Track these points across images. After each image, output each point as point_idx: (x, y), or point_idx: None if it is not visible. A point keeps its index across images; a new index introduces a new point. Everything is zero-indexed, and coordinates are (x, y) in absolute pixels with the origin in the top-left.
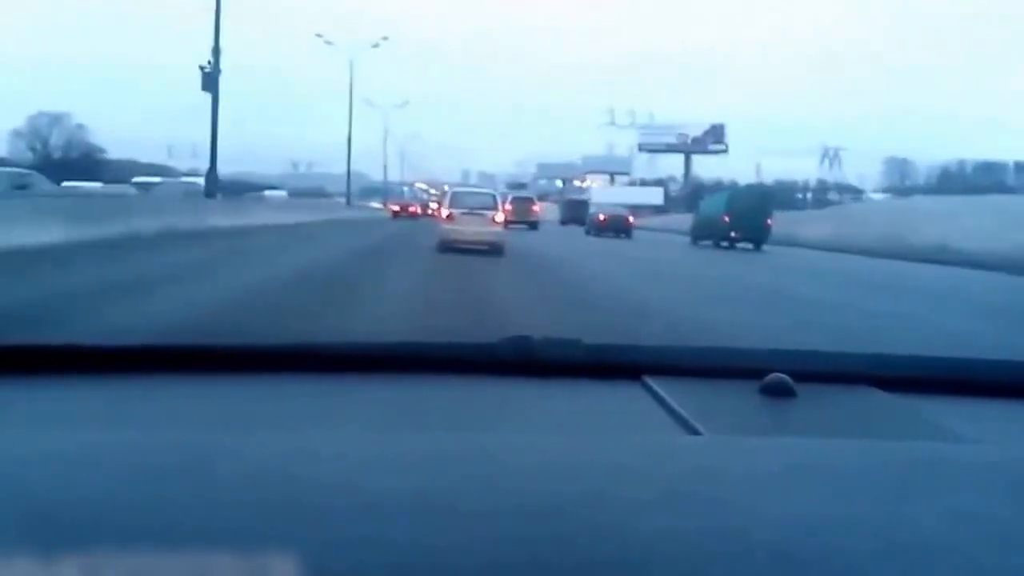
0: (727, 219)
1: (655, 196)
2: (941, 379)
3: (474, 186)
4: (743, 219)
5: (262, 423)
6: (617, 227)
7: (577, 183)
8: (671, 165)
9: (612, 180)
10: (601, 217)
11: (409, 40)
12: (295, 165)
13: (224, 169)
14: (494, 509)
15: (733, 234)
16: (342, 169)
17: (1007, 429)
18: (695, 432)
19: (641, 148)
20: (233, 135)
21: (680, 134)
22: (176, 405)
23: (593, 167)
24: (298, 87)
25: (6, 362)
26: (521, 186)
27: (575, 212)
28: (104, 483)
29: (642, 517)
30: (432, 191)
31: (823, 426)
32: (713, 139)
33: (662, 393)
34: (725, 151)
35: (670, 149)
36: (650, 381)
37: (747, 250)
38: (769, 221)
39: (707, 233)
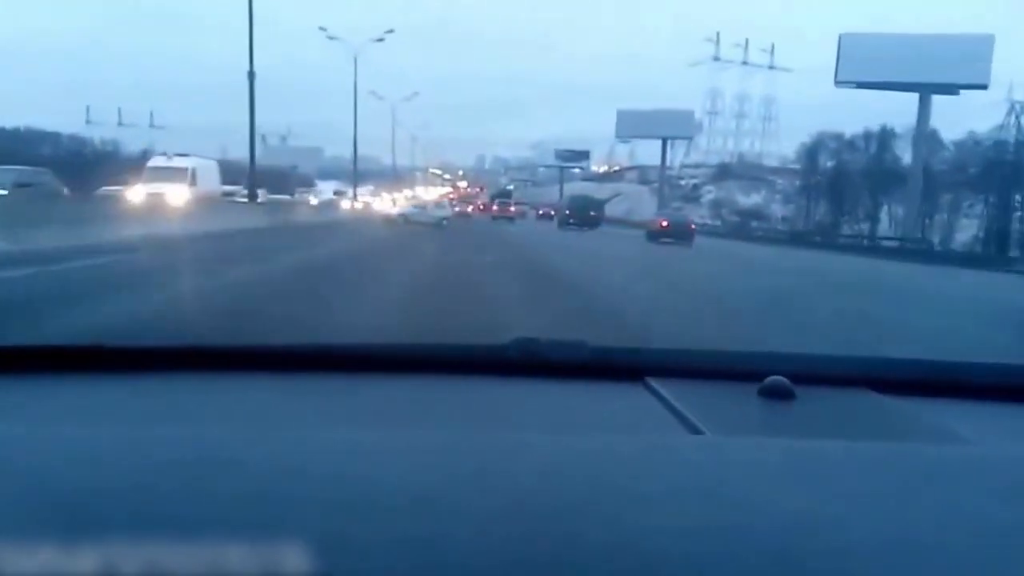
0: (567, 212)
1: None
2: (939, 382)
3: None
4: (579, 212)
5: (277, 420)
6: None
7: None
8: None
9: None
10: None
11: None
12: (263, 138)
13: (191, 147)
14: (501, 504)
15: (571, 221)
16: (325, 142)
17: (1007, 431)
18: (697, 432)
19: None
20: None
21: None
22: (197, 402)
23: None
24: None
25: (36, 361)
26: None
27: (583, 212)
28: (124, 476)
29: (646, 512)
30: (447, 176)
31: (821, 427)
32: None
33: (665, 394)
34: None
35: None
36: (653, 382)
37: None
38: (593, 213)
39: (561, 221)
